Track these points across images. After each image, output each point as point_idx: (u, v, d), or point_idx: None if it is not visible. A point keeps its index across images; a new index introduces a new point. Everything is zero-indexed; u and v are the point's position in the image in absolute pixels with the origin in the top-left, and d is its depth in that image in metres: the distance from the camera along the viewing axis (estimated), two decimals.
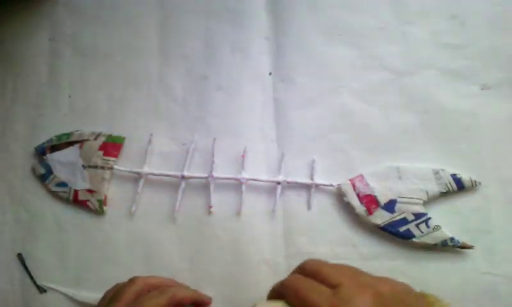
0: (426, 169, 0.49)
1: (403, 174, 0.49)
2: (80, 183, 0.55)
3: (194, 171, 0.54)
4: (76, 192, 0.55)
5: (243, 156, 0.52)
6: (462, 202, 0.50)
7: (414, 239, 0.48)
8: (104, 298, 0.42)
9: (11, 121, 0.60)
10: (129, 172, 0.55)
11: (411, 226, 0.47)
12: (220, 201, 0.53)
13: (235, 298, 0.51)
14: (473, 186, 0.49)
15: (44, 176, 0.56)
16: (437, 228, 0.47)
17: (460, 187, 0.49)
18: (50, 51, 0.62)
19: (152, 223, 0.54)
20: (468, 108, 0.52)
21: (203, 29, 0.59)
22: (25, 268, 0.55)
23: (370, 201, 0.49)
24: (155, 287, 0.42)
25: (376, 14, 0.56)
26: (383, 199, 0.49)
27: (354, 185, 0.50)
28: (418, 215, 0.48)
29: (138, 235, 0.54)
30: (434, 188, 0.49)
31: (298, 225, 0.52)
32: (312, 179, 0.52)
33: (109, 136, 0.56)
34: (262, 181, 0.52)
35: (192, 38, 0.59)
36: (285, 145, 0.54)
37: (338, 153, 0.53)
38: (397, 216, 0.48)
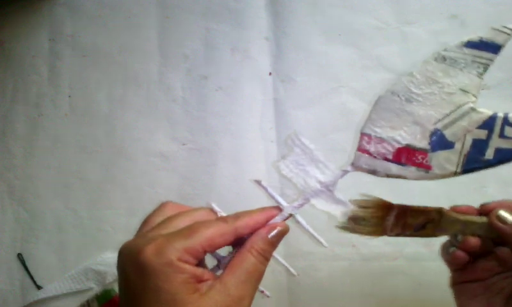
0: (433, 57, 0.32)
1: (410, 89, 0.31)
2: None
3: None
4: None
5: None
6: (462, 202, 0.50)
7: None
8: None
9: (11, 121, 0.60)
10: None
11: (497, 142, 0.29)
12: (221, 200, 0.53)
13: None
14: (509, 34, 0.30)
15: None
16: None
17: (494, 48, 0.30)
18: (50, 51, 0.62)
19: None
20: None
21: (203, 29, 0.59)
22: (25, 268, 0.55)
23: (408, 153, 0.31)
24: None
25: (376, 14, 0.56)
26: (420, 140, 0.31)
27: (369, 153, 0.33)
28: (487, 123, 0.29)
29: None
30: (468, 72, 0.30)
31: (298, 225, 0.52)
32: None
33: (98, 297, 0.53)
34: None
35: (192, 38, 0.59)
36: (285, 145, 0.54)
37: (339, 153, 0.53)
38: (464, 146, 0.30)
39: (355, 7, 0.56)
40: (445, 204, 0.50)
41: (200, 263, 0.29)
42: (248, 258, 0.29)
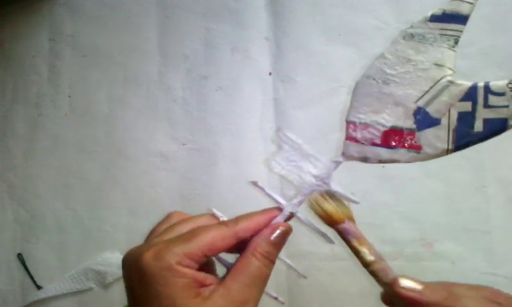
0: (402, 35, 0.31)
1: (385, 71, 0.31)
2: None
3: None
4: None
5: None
6: (462, 202, 0.50)
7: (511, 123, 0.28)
8: None
9: (11, 121, 0.60)
10: None
11: (483, 112, 0.28)
12: (221, 201, 0.53)
13: None
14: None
15: None
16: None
17: (459, 19, 0.31)
18: (50, 51, 0.62)
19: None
20: None
21: (203, 29, 0.59)
22: (25, 268, 0.55)
23: (396, 135, 0.31)
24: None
25: (376, 14, 0.56)
26: (405, 121, 0.30)
27: (356, 140, 0.33)
28: (469, 95, 0.28)
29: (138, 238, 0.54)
30: (439, 46, 0.30)
31: (298, 225, 0.52)
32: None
33: None
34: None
35: (192, 38, 0.59)
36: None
37: (338, 154, 0.53)
38: (450, 121, 0.29)
39: (355, 7, 0.56)
40: (446, 204, 0.50)
41: (207, 270, 0.28)
42: (251, 262, 0.28)
